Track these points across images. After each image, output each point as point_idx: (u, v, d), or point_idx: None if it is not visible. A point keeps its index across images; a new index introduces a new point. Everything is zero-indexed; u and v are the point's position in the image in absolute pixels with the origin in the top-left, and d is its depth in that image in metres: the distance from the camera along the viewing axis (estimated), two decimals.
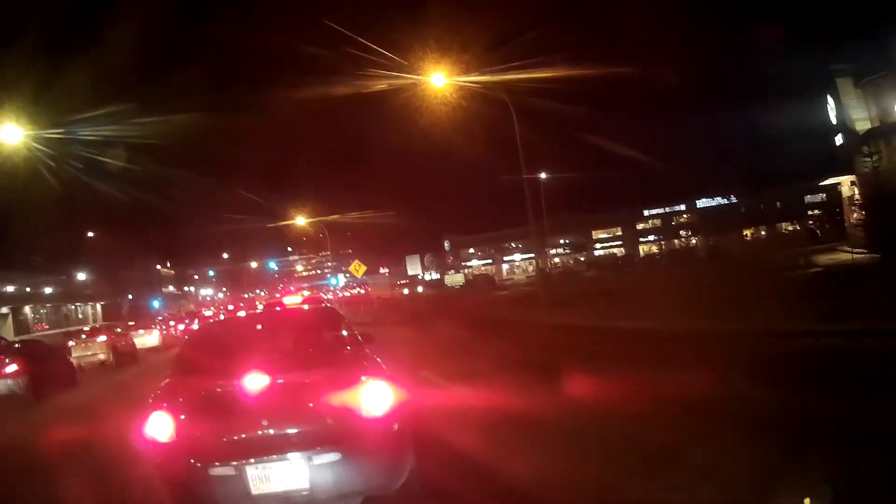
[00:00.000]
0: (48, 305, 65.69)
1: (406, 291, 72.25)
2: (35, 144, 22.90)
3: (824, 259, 31.87)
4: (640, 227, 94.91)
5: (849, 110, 30.90)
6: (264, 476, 4.92)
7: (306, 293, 44.62)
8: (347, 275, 71.19)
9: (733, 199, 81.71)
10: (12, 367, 15.68)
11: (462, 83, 23.29)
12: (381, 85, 22.75)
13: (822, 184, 45.66)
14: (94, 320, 64.52)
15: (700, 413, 7.17)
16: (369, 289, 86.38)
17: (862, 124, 30.22)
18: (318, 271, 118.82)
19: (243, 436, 5.01)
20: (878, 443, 5.65)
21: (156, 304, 73.27)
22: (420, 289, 76.57)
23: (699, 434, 6.56)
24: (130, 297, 76.59)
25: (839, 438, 5.91)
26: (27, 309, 61.22)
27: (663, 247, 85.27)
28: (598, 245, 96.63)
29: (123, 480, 6.77)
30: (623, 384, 8.97)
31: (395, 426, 5.31)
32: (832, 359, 9.17)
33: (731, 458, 5.81)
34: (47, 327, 58.67)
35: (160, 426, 5.12)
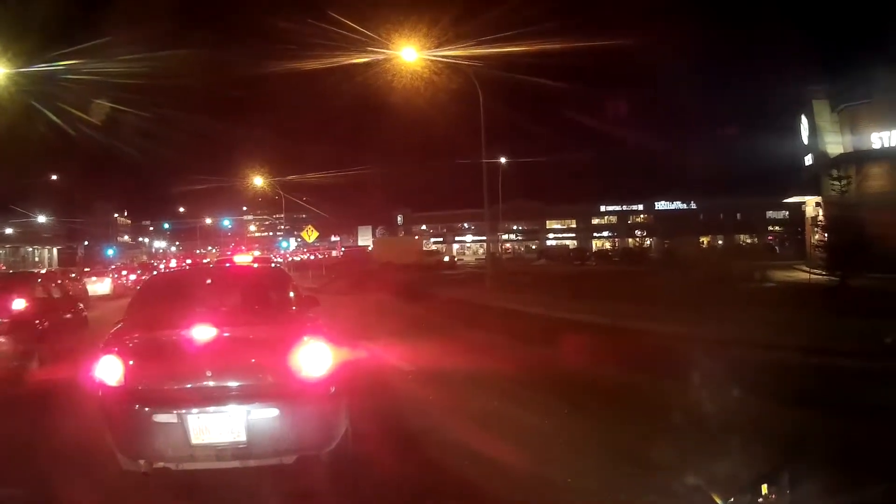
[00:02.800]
0: (7, 246, 64.44)
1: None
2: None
3: (780, 276, 32.43)
4: (595, 221, 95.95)
5: (822, 133, 31.37)
6: (204, 427, 5.01)
7: (257, 253, 44.70)
8: (299, 239, 70.14)
9: (693, 205, 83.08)
10: None
11: (432, 59, 23.19)
12: (351, 57, 22.68)
13: (785, 201, 46.43)
14: (51, 264, 63.49)
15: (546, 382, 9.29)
16: (319, 255, 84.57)
17: (833, 148, 30.70)
18: (271, 233, 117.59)
19: (187, 385, 5.10)
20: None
21: (110, 252, 71.67)
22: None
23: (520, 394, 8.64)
24: (86, 243, 74.98)
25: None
26: None
27: (617, 244, 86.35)
28: (551, 235, 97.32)
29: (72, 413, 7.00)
30: (517, 357, 11.36)
31: (332, 388, 5.43)
32: (735, 366, 9.29)
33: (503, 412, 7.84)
34: (4, 268, 57.04)
35: (109, 370, 5.20)
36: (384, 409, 7.88)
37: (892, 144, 27.49)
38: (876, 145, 28.13)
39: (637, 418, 7.24)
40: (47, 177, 62.16)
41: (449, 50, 22.74)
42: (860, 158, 28.52)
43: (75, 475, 5.66)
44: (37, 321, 11.09)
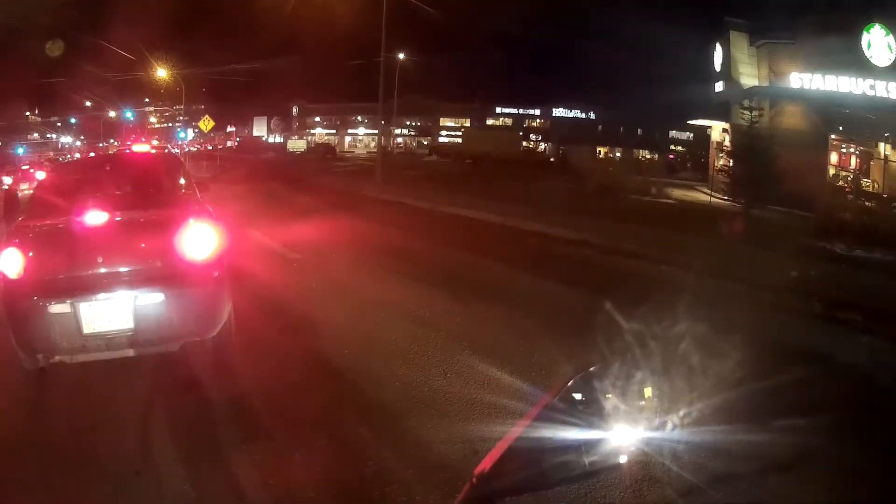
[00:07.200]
0: None
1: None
2: None
3: (679, 194, 33.71)
4: (489, 122, 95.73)
5: (737, 64, 32.08)
6: (95, 315, 5.08)
7: (155, 142, 43.42)
8: (196, 129, 67.35)
9: (592, 116, 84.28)
10: None
11: None
12: None
13: (691, 122, 47.62)
14: None
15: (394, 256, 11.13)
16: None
17: (747, 80, 31.58)
18: (171, 125, 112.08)
19: (80, 273, 5.17)
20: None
21: (20, 150, 67.58)
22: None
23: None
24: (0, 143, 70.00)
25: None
26: None
27: None
28: (444, 133, 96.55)
29: None
30: (403, 249, 12.30)
31: (216, 273, 5.56)
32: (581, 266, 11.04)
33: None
34: None
35: (10, 262, 5.19)
36: (268, 297, 8.17)
37: (812, 87, 28.60)
38: (795, 86, 29.23)
39: (521, 311, 7.79)
40: None
41: None
42: (776, 94, 29.44)
43: None
44: None
